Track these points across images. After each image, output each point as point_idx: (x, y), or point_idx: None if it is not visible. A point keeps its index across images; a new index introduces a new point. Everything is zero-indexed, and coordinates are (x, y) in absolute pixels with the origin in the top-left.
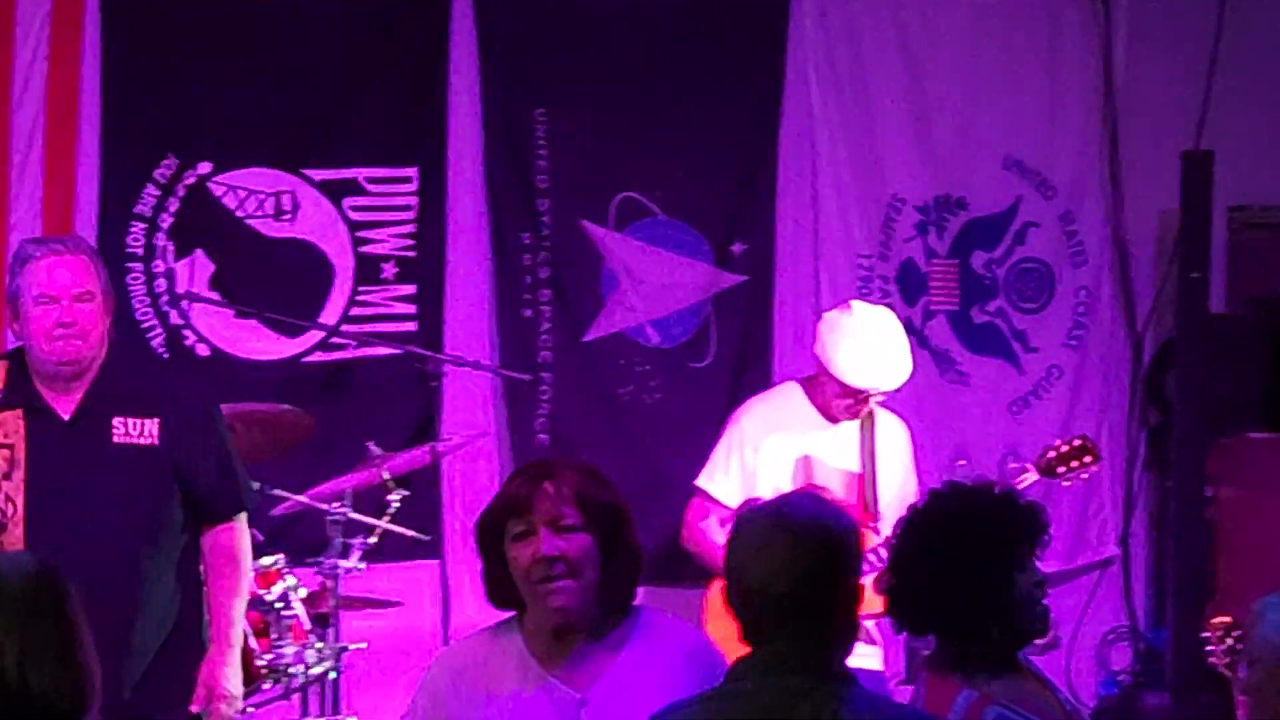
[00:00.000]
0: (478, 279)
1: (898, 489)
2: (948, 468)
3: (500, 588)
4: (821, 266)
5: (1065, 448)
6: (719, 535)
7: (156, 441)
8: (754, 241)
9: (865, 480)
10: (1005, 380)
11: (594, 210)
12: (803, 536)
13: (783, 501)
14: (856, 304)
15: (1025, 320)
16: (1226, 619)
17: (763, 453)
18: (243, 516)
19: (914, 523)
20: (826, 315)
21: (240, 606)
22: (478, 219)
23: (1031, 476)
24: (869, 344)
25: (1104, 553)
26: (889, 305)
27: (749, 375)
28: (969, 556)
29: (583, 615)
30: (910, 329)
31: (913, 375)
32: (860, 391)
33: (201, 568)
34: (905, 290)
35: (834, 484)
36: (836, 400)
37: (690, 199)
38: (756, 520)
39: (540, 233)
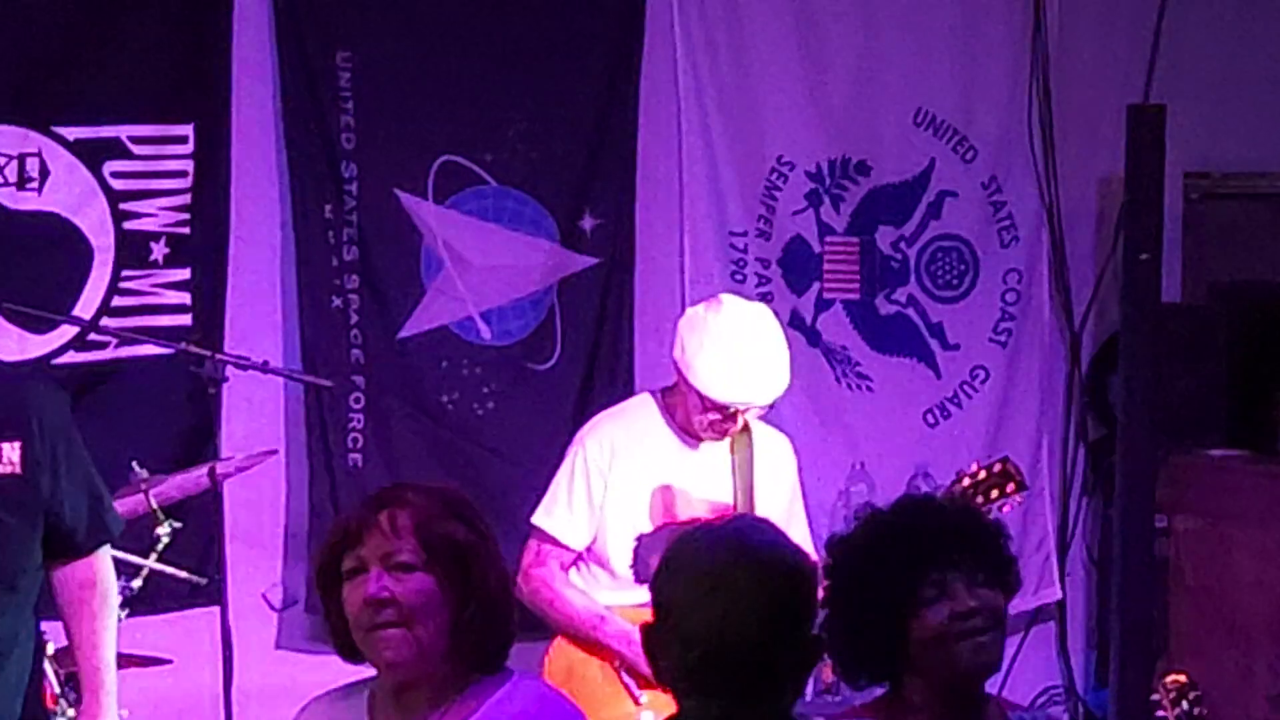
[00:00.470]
0: (267, 261)
1: (782, 521)
2: (844, 493)
3: (345, 635)
4: (687, 247)
5: (983, 474)
6: (563, 584)
7: (19, 469)
8: (608, 216)
9: (738, 511)
10: (918, 385)
11: (411, 177)
12: (768, 574)
13: (734, 528)
14: (727, 299)
15: (942, 311)
16: (1181, 677)
17: (613, 482)
18: (107, 546)
19: (829, 556)
20: (688, 312)
21: (113, 650)
22: (268, 187)
23: None
24: (737, 349)
25: (1045, 597)
26: (769, 294)
27: (603, 380)
28: (860, 591)
29: (421, 672)
30: (798, 324)
31: (804, 379)
32: (725, 407)
33: (62, 607)
34: (791, 275)
35: (699, 517)
36: (699, 416)
37: (529, 164)
38: (705, 551)
39: (345, 205)
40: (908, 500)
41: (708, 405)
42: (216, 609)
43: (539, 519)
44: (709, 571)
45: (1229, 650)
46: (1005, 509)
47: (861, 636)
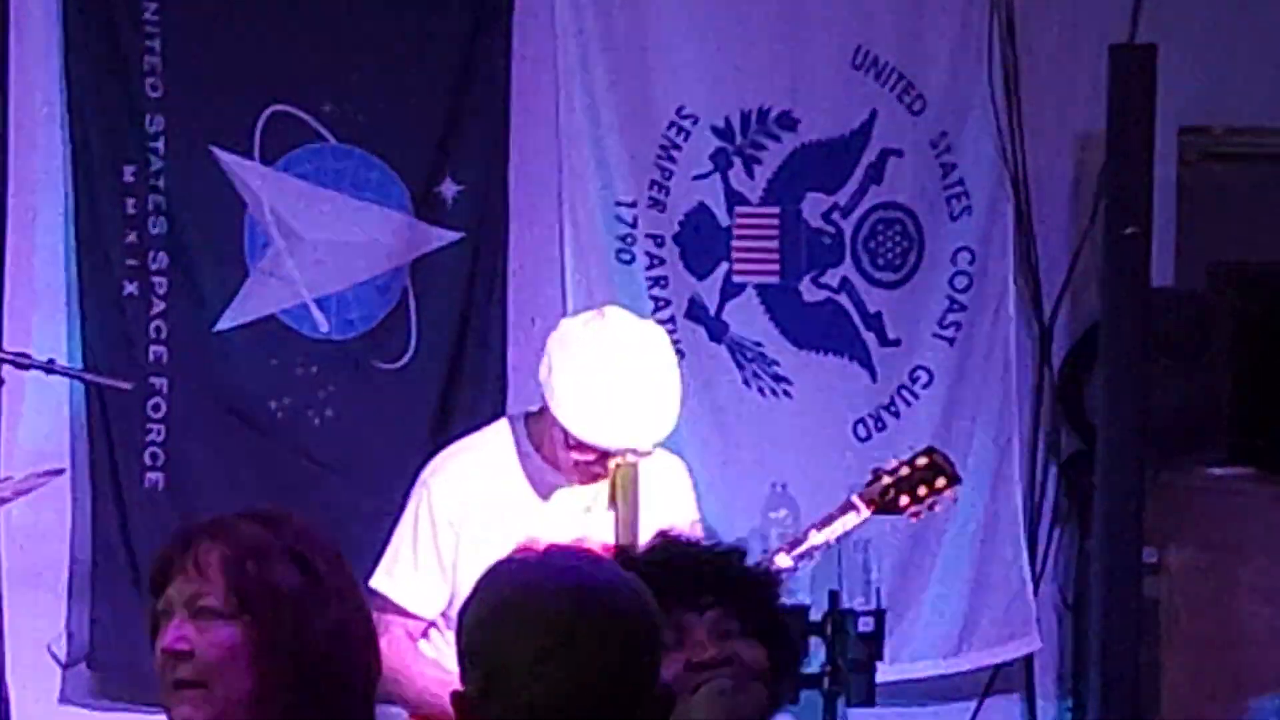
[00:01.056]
0: (52, 236)
1: None
2: (763, 518)
3: None
4: (567, 220)
5: (905, 470)
6: (413, 658)
7: None
8: (474, 181)
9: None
10: (849, 388)
11: (232, 132)
12: (613, 628)
13: (565, 567)
14: (612, 314)
15: (881, 298)
16: None
17: (467, 534)
18: None
19: None
20: (563, 325)
21: None
22: (50, 145)
23: (858, 516)
24: (616, 381)
25: (1015, 650)
26: (662, 278)
27: (468, 382)
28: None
29: None
30: (698, 313)
31: (706, 383)
32: (597, 449)
33: None
34: (691, 254)
35: None
36: (564, 453)
37: (377, 117)
38: (532, 600)
39: (150, 166)
40: (661, 539)
41: (572, 444)
42: None
43: (379, 582)
44: (537, 631)
45: (1232, 712)
46: (937, 508)
47: None
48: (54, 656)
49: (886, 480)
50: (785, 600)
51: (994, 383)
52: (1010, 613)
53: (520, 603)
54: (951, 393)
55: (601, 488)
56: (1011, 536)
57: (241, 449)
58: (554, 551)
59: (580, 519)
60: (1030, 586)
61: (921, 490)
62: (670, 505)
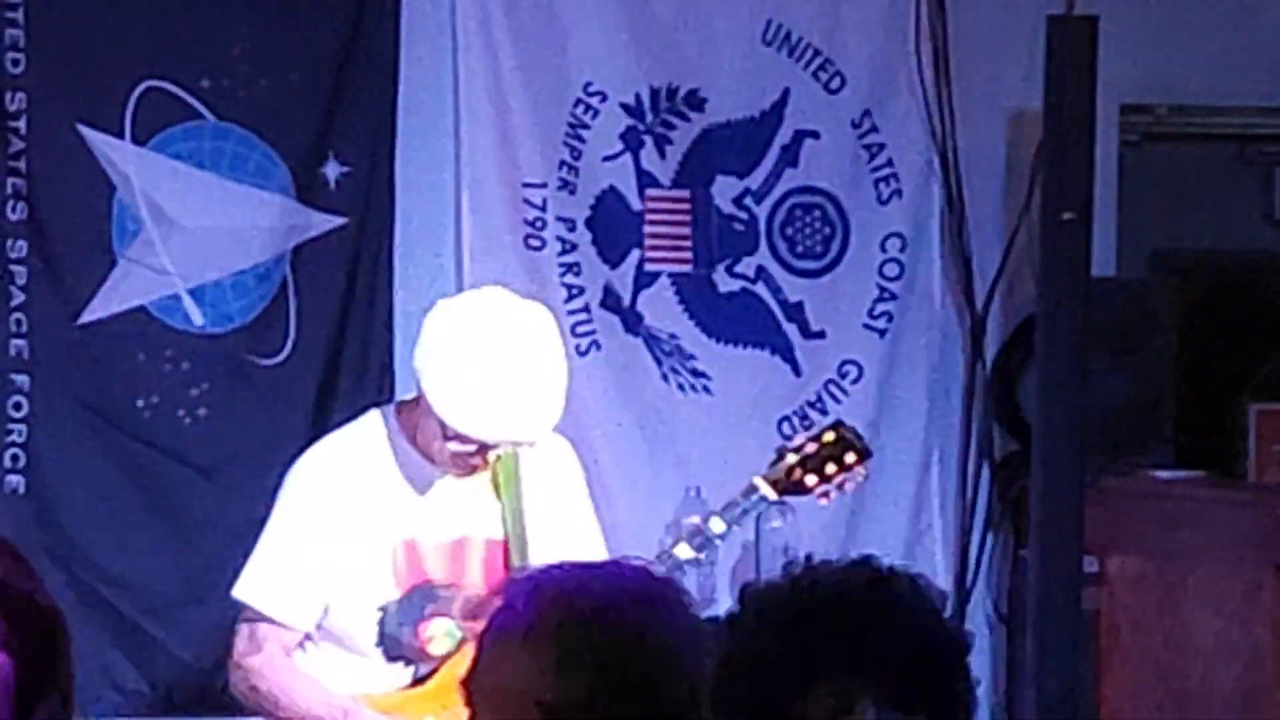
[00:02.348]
0: None
1: (572, 552)
2: (672, 527)
3: None
4: (465, 204)
5: (811, 446)
6: (289, 673)
7: None
8: (359, 162)
9: (512, 552)
10: (772, 384)
11: (102, 109)
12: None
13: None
14: (493, 294)
15: (803, 288)
16: None
17: (340, 537)
18: None
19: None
20: (439, 306)
21: None
22: None
23: (757, 501)
24: (498, 368)
25: None
26: (575, 265)
27: (350, 380)
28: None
29: None
30: (612, 303)
31: (619, 377)
32: (472, 441)
33: None
34: (604, 240)
35: (456, 569)
36: (439, 444)
37: (258, 93)
38: (564, 626)
39: (10, 147)
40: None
41: (450, 435)
42: None
43: (244, 592)
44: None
45: None
46: (848, 487)
47: None
48: None
49: (791, 459)
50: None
51: (923, 378)
52: None
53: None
54: (883, 388)
55: (484, 477)
56: (934, 547)
57: (108, 451)
58: (599, 573)
59: (462, 512)
60: (950, 599)
61: (830, 468)
62: (557, 487)
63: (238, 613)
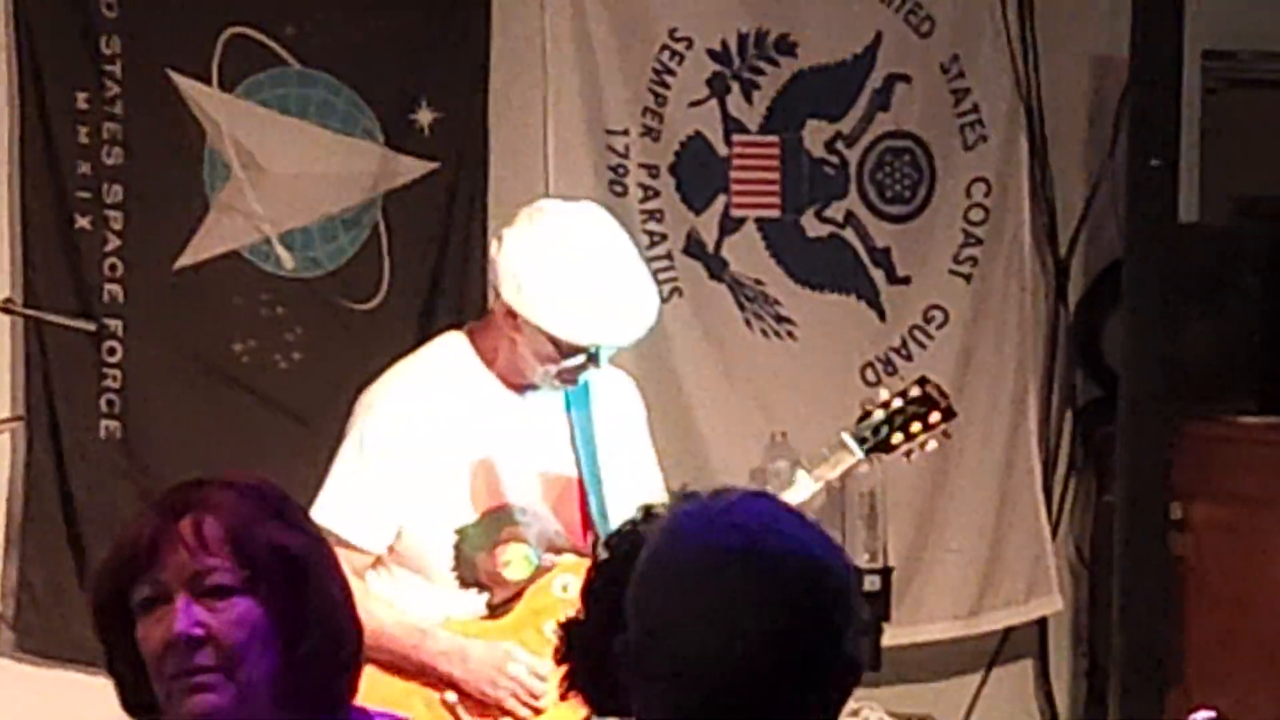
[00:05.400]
0: None
1: (641, 490)
2: (758, 472)
3: (135, 686)
4: (551, 150)
5: (897, 402)
6: (364, 595)
7: None
8: (452, 108)
9: (586, 487)
10: (856, 329)
11: (188, 54)
12: (779, 597)
13: (741, 527)
14: (550, 206)
15: (890, 233)
16: (1208, 713)
17: (417, 461)
18: None
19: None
20: (507, 233)
21: None
22: None
23: (850, 457)
24: (595, 270)
25: (1036, 610)
26: (658, 212)
27: (448, 325)
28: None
29: None
30: (695, 250)
31: (704, 322)
32: (580, 350)
33: None
34: (688, 186)
35: (535, 498)
36: (540, 363)
37: (344, 39)
38: (699, 561)
39: (104, 92)
40: None
41: (564, 350)
42: None
43: (319, 513)
44: (705, 580)
45: (1263, 677)
46: (930, 445)
47: None
48: None
49: (878, 415)
50: None
51: (1009, 324)
52: (1033, 572)
53: (690, 558)
54: (969, 334)
55: (558, 410)
56: (1030, 490)
57: (202, 397)
58: (743, 506)
59: (538, 442)
60: (1050, 543)
61: (915, 427)
62: (625, 423)
63: None
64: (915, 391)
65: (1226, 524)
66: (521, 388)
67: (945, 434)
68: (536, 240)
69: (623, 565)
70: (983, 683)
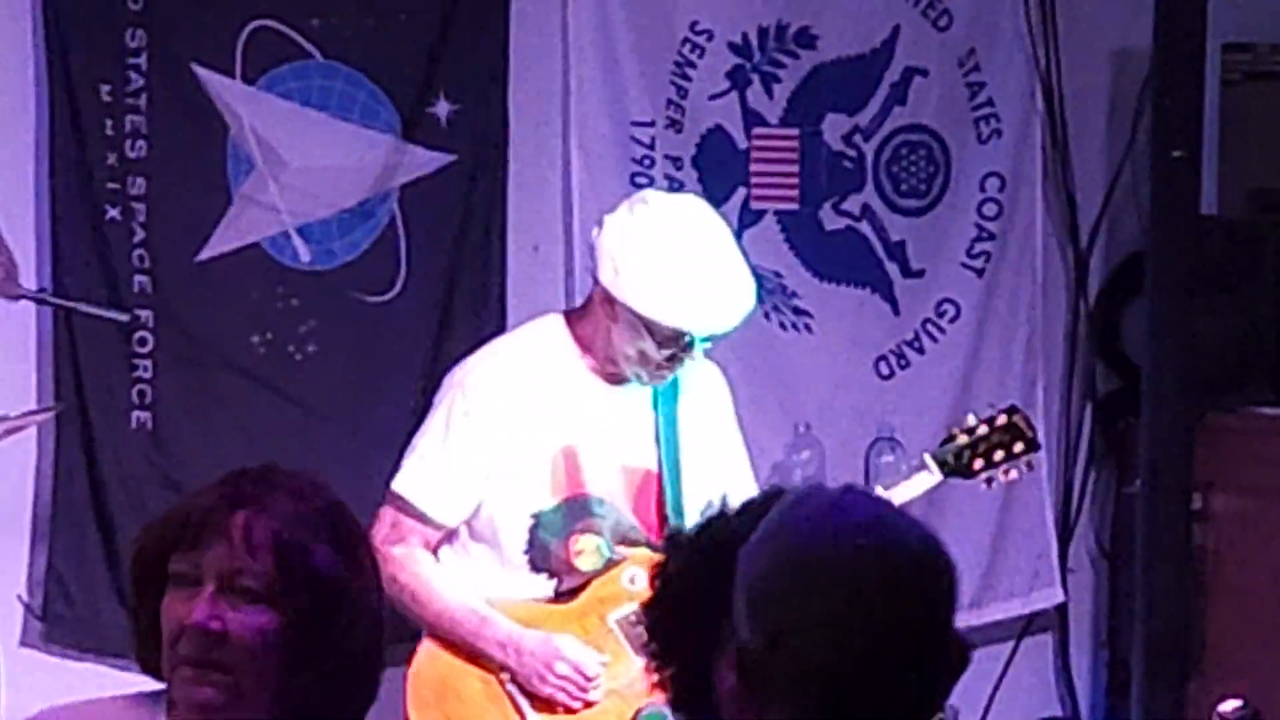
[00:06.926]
0: (21, 158)
1: (723, 483)
2: (780, 466)
3: (151, 644)
4: (574, 142)
5: (982, 428)
6: (431, 569)
7: None
8: (471, 101)
9: (665, 482)
10: (872, 322)
11: (211, 47)
12: (910, 590)
13: (863, 522)
14: (652, 195)
15: (905, 226)
16: (1236, 703)
17: (505, 441)
18: None
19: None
20: (609, 221)
21: None
22: (22, 60)
23: (930, 478)
24: (696, 257)
25: (1040, 601)
26: None
27: (465, 317)
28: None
29: None
30: None
31: None
32: (682, 336)
33: None
34: (710, 178)
35: (614, 490)
36: (640, 351)
37: (365, 31)
38: (827, 558)
39: (129, 85)
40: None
41: (660, 337)
42: None
43: (402, 485)
44: (831, 581)
45: None
46: (1013, 476)
47: None
48: (25, 605)
49: (962, 440)
50: None
51: (1023, 316)
52: (1037, 565)
53: (814, 560)
54: (980, 328)
55: (645, 404)
56: (1036, 483)
57: (220, 389)
58: (849, 502)
59: (622, 434)
60: (1054, 536)
61: (998, 455)
62: (713, 414)
63: (382, 500)
64: (1002, 420)
65: (1247, 514)
66: (614, 379)
67: (1029, 465)
68: (635, 225)
69: (708, 569)
70: (1003, 673)
